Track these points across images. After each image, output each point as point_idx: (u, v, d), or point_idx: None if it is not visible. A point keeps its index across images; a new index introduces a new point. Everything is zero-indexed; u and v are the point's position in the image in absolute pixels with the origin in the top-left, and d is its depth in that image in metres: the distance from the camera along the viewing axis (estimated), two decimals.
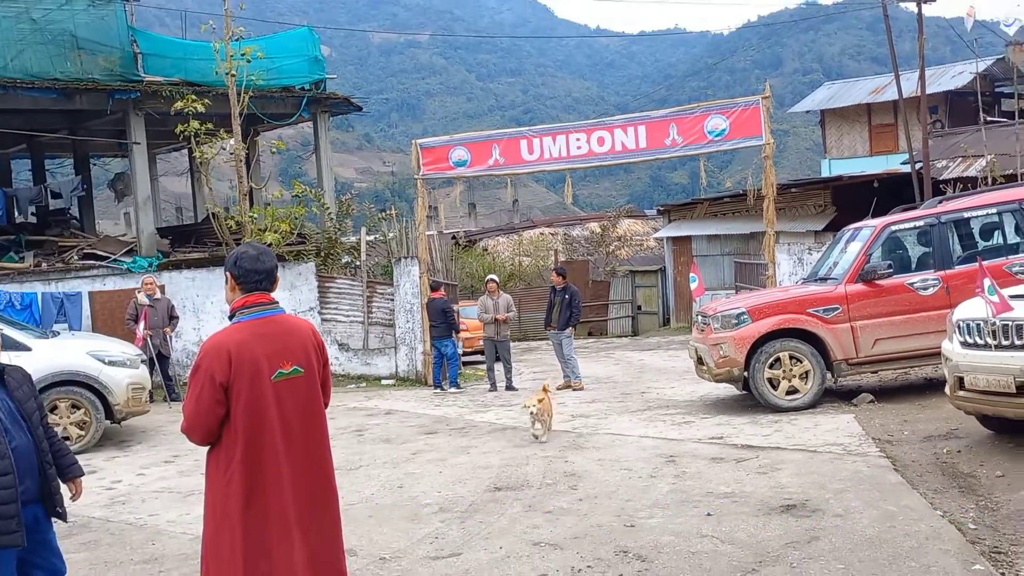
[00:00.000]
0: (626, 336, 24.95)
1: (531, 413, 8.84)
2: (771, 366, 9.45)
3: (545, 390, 9.34)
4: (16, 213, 18.12)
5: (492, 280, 13.88)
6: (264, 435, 3.54)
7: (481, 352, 14.81)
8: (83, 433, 9.64)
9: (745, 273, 19.82)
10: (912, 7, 19.30)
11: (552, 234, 33.07)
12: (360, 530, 6.06)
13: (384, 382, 14.76)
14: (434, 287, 13.89)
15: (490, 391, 13.16)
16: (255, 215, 15.38)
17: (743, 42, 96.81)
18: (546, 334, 14.26)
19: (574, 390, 12.59)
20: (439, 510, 6.63)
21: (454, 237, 27.34)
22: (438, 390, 13.44)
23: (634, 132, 13.70)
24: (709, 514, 5.96)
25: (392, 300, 15.25)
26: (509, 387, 13.11)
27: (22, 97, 14.98)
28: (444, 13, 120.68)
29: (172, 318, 12.92)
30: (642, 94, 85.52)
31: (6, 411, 3.94)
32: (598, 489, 6.91)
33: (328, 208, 17.19)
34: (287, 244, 15.28)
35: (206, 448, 3.63)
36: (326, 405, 3.83)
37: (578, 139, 13.92)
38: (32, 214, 18.98)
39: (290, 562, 3.53)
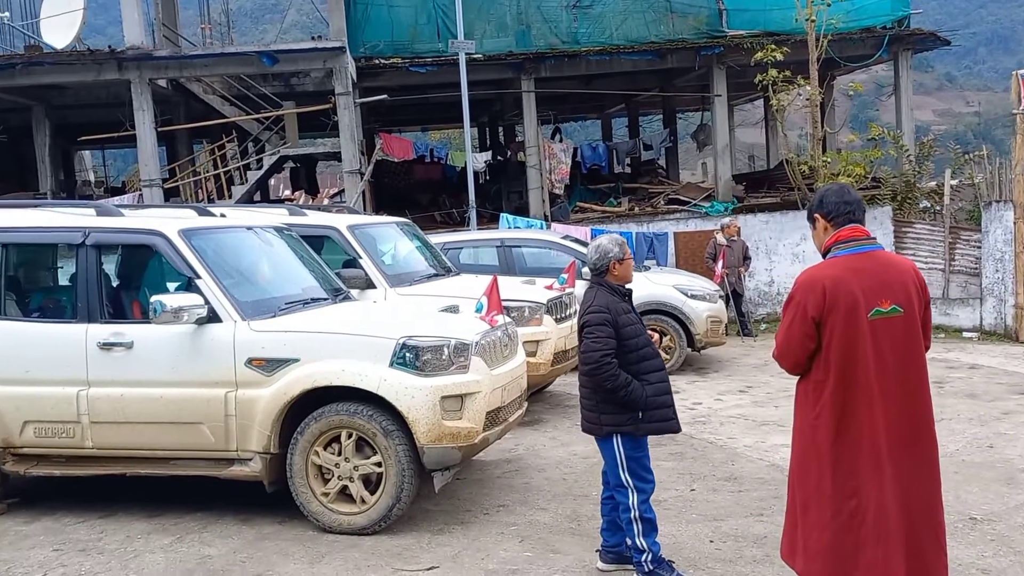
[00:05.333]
0: None
1: None
2: None
3: None
4: (616, 164, 20.83)
5: None
6: (857, 372, 3.44)
7: None
8: (668, 357, 10.86)
9: None
10: None
11: None
12: (946, 485, 5.66)
13: (966, 335, 13.69)
14: None
15: None
16: (828, 160, 15.38)
17: None
18: None
19: None
20: None
21: None
22: None
23: None
24: None
25: (978, 248, 14.01)
26: None
27: (623, 61, 16.99)
28: None
29: (746, 258, 13.71)
30: None
31: (639, 323, 4.74)
32: None
33: (907, 150, 16.35)
34: (860, 188, 14.93)
35: (795, 379, 3.68)
36: (926, 348, 3.62)
37: None
38: (627, 165, 21.60)
39: (881, 501, 3.45)
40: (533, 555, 5.07)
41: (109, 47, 14.92)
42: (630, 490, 4.56)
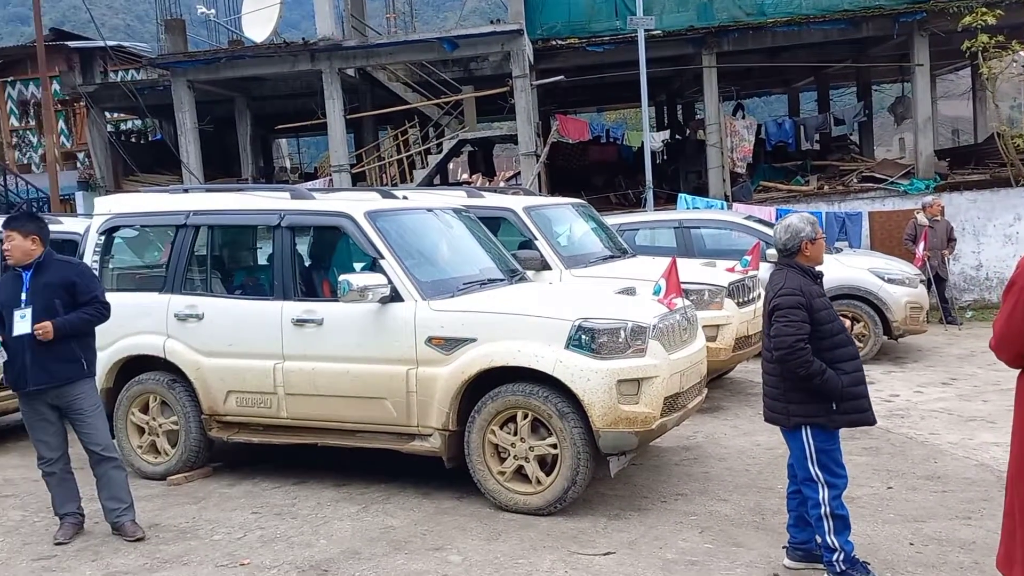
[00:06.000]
0: None
1: None
2: None
3: None
4: (803, 140, 19.80)
5: None
6: None
7: None
8: (862, 345, 10.20)
9: None
10: None
11: None
12: None
13: None
14: None
15: None
16: None
17: None
18: None
19: None
20: None
21: None
22: None
23: None
24: None
25: None
26: None
27: (813, 31, 16.07)
28: None
29: (950, 240, 12.65)
30: None
31: (832, 307, 4.45)
32: None
33: None
34: None
35: (1011, 371, 3.36)
36: None
37: None
38: (816, 141, 20.47)
39: None
40: (714, 547, 4.88)
41: (303, 39, 15.76)
42: (820, 485, 4.29)
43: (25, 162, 23.60)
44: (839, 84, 23.97)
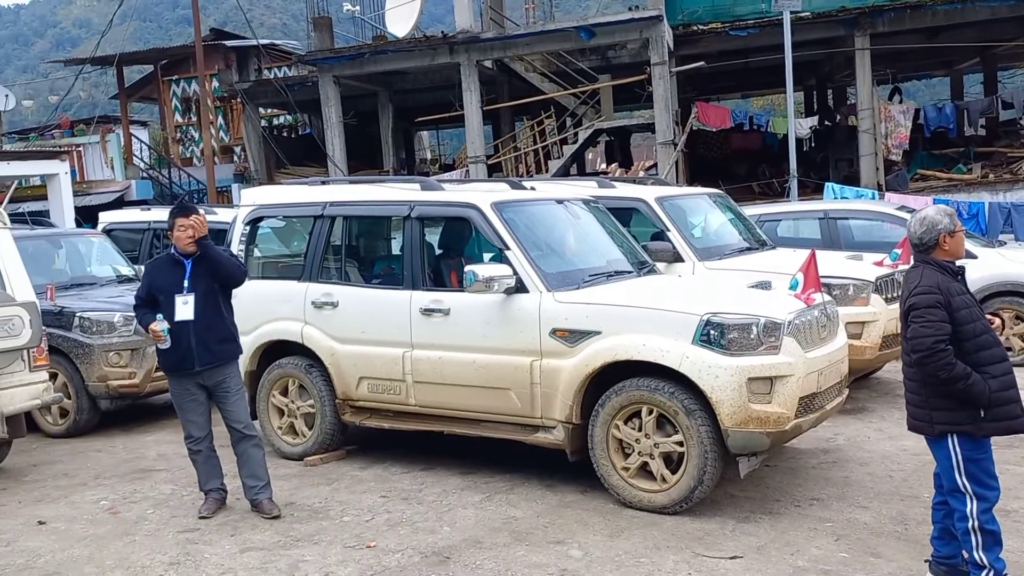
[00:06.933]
0: None
1: None
2: None
3: None
4: (966, 126, 18.51)
5: None
6: None
7: None
8: None
9: None
10: None
11: None
12: None
13: None
14: None
15: None
16: None
17: None
18: None
19: None
20: None
21: None
22: None
23: None
24: None
25: None
26: None
27: (979, 8, 14.99)
28: None
29: None
30: None
31: (976, 305, 4.13)
32: None
33: None
34: None
35: None
36: None
37: None
38: (981, 127, 19.10)
39: None
40: (849, 556, 4.62)
41: (442, 33, 16.04)
42: (968, 497, 3.97)
43: (187, 156, 25.23)
44: (1008, 65, 22.26)
